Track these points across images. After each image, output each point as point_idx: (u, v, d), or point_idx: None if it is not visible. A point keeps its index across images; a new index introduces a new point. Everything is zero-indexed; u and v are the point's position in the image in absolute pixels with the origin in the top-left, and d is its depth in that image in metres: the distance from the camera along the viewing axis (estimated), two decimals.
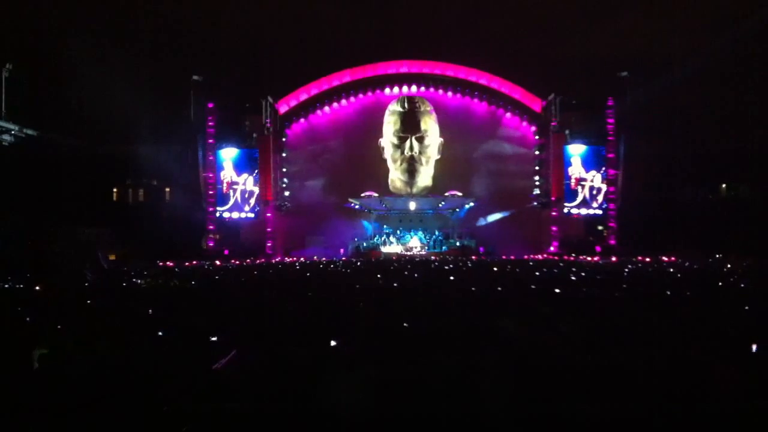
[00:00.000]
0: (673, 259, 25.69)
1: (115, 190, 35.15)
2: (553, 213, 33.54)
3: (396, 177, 35.94)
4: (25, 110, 28.66)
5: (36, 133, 29.32)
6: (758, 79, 29.79)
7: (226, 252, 31.72)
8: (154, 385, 3.75)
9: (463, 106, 35.96)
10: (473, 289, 10.25)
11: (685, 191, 33.49)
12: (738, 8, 29.68)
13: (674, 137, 32.39)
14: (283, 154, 35.64)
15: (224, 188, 33.99)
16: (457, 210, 35.77)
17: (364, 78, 35.90)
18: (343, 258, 30.99)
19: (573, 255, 30.31)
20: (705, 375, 3.77)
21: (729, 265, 19.05)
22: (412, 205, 35.27)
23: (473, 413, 3.35)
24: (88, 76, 27.00)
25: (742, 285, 11.64)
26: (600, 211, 33.52)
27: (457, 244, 33.88)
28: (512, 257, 30.32)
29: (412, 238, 34.00)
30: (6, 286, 12.96)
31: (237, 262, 27.84)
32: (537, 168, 35.08)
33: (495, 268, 18.59)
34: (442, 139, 35.56)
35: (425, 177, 35.81)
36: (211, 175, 33.42)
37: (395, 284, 12.16)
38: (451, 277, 14.53)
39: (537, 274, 16.07)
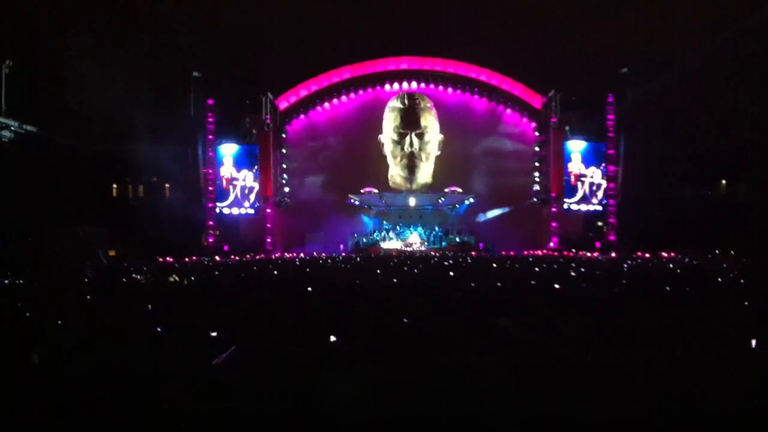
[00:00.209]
0: (672, 254, 25.75)
1: (114, 186, 35.11)
2: (553, 209, 33.56)
3: (396, 173, 35.92)
4: (25, 107, 28.57)
5: (36, 130, 29.26)
6: (758, 78, 29.71)
7: (225, 248, 31.74)
8: (154, 384, 3.75)
9: (463, 102, 35.92)
10: (473, 284, 10.26)
11: (685, 189, 33.51)
12: (738, 8, 29.58)
13: (674, 135, 32.36)
14: (283, 151, 35.61)
15: (224, 184, 33.98)
16: (457, 206, 35.75)
17: (364, 75, 35.78)
18: (343, 254, 31.02)
19: (573, 251, 30.44)
20: (705, 375, 3.78)
21: (724, 265, 19.06)
22: (412, 201, 35.25)
23: (473, 413, 3.35)
24: (88, 74, 26.93)
25: (742, 281, 11.66)
26: (600, 208, 33.55)
27: (457, 240, 33.87)
28: (512, 253, 30.42)
29: (411, 234, 33.99)
30: (6, 282, 12.97)
31: (236, 258, 27.91)
32: (537, 164, 35.07)
33: (494, 264, 18.60)
34: (442, 136, 35.51)
35: (425, 173, 35.79)
36: (210, 171, 33.41)
37: (395, 280, 12.19)
38: (451, 273, 14.59)
39: (536, 270, 16.08)
